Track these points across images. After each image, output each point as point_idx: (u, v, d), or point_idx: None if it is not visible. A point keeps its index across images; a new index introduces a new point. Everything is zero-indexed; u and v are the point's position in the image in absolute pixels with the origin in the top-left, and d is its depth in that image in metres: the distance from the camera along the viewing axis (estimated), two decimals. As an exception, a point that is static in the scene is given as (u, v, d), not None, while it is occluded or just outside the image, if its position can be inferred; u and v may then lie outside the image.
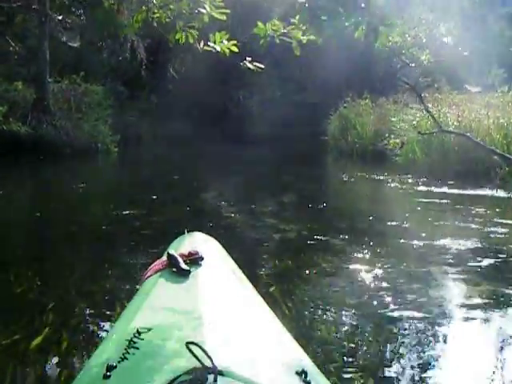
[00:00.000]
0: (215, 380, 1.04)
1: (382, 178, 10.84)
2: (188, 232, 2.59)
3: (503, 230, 5.85)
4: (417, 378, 2.59)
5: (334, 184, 11.05)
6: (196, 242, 2.37)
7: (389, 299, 3.61)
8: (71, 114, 14.93)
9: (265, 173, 11.96)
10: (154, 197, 8.31)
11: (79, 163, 13.75)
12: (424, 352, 2.85)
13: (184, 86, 23.34)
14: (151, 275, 1.98)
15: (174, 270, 1.89)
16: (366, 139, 16.16)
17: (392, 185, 9.94)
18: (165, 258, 2.01)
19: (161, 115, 22.27)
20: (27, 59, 16.73)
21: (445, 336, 3.11)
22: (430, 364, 2.74)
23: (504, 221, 6.41)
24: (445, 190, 8.98)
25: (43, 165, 12.67)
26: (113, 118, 17.10)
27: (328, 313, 3.43)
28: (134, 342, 1.31)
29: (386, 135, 14.31)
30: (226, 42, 3.51)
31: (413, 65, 8.84)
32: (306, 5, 2.80)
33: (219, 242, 2.61)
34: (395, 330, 3.15)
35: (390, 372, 2.65)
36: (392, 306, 3.48)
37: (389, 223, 6.34)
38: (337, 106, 18.74)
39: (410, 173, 11.08)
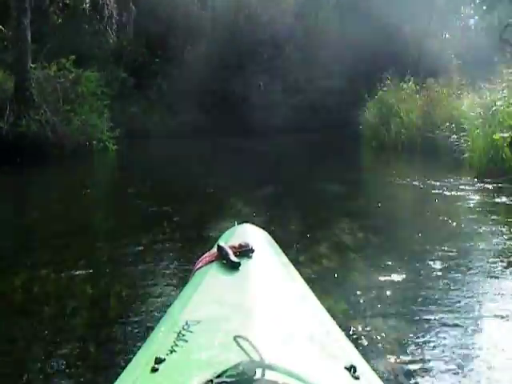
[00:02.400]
0: (263, 374, 0.99)
1: (453, 182, 8.28)
2: (238, 223, 2.36)
3: None
4: None
5: (394, 197, 7.89)
6: (246, 233, 2.15)
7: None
8: (59, 107, 12.26)
9: (297, 177, 9.31)
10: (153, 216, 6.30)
11: (68, 165, 11.23)
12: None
13: (198, 72, 20.82)
14: (201, 267, 1.85)
15: (224, 262, 1.74)
16: (412, 129, 13.58)
17: (475, 197, 7.28)
18: (215, 249, 1.86)
19: (171, 105, 19.72)
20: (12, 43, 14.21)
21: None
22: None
23: None
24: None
25: (21, 170, 10.14)
26: (114, 111, 14.70)
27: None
28: (183, 335, 1.25)
29: (447, 124, 11.68)
30: None
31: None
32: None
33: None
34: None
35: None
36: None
37: None
38: (369, 91, 16.31)
39: (485, 176, 8.62)
